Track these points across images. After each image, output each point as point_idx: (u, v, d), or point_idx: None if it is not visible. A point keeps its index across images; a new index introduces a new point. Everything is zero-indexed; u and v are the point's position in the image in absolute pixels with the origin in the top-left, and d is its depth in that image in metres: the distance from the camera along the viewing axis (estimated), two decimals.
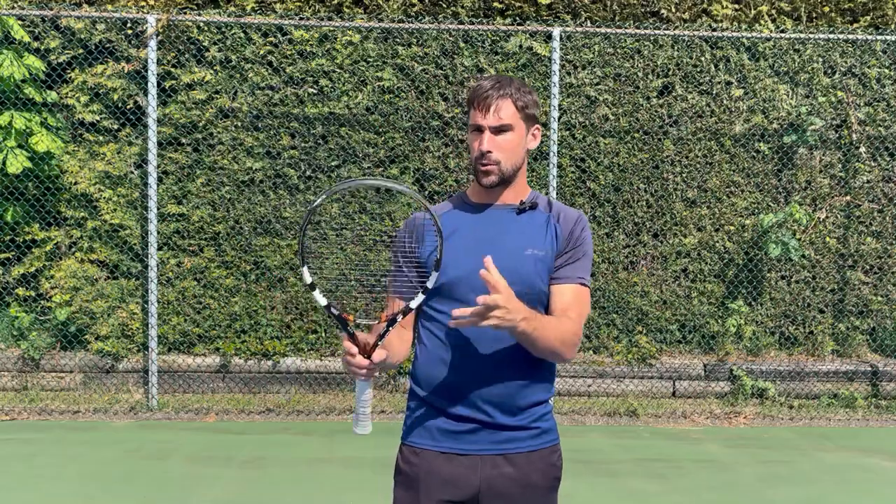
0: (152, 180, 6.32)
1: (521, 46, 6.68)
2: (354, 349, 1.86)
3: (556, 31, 6.35)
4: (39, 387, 6.57)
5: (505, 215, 2.10)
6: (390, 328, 1.94)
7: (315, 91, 6.65)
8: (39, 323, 6.72)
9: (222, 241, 6.67)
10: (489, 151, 2.03)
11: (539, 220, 2.10)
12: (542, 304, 2.06)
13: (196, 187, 6.63)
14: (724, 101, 6.86)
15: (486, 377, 2.02)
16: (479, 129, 2.05)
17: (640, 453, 5.48)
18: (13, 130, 6.28)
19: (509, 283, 1.85)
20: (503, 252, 1.99)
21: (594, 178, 6.82)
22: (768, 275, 6.98)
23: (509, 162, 2.06)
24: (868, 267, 7.05)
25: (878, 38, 6.71)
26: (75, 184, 6.58)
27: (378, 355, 1.86)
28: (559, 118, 6.65)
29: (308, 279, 1.92)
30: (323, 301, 1.93)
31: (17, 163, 6.26)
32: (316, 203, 1.87)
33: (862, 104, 6.94)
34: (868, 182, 7.01)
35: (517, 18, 6.81)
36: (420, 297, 1.96)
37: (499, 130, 2.04)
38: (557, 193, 6.60)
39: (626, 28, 6.66)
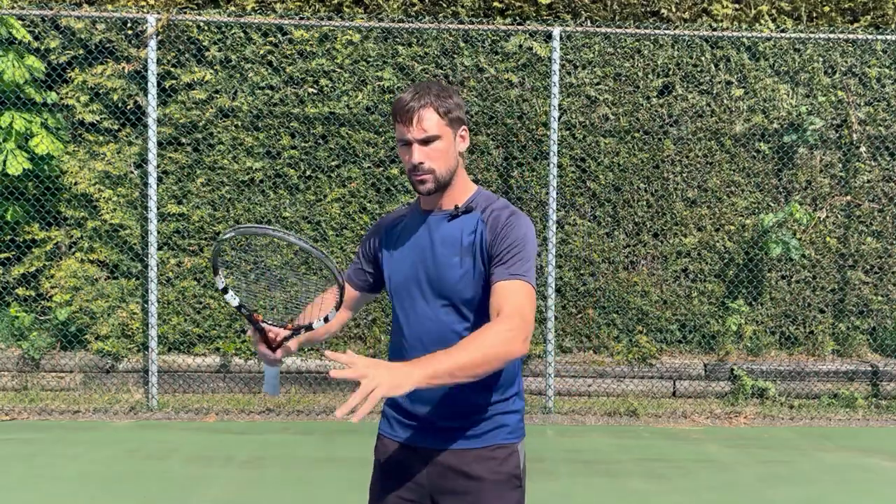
0: (152, 180, 6.32)
1: (520, 46, 6.68)
2: (261, 345, 2.19)
3: (556, 31, 6.35)
4: (39, 387, 6.57)
5: (439, 223, 2.13)
6: (295, 335, 2.18)
7: (315, 91, 6.64)
8: (39, 323, 6.73)
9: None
10: (421, 163, 2.05)
11: (469, 224, 2.09)
12: (467, 307, 2.07)
13: (196, 187, 6.63)
14: (725, 101, 6.85)
15: None
16: (408, 143, 2.06)
17: (640, 453, 5.47)
18: (13, 132, 6.28)
19: (437, 294, 2.07)
20: (431, 262, 2.10)
21: (594, 178, 6.82)
22: (768, 274, 6.98)
23: (443, 168, 2.08)
24: (868, 267, 7.05)
25: (879, 37, 6.71)
26: (75, 184, 6.58)
27: (280, 353, 2.17)
28: (559, 118, 6.65)
29: (220, 285, 2.17)
30: (235, 301, 2.20)
31: (17, 164, 6.26)
32: (224, 237, 2.13)
33: (862, 104, 6.94)
34: (868, 182, 7.01)
35: (517, 18, 6.81)
36: (321, 322, 2.21)
37: (426, 141, 2.05)
38: (557, 193, 6.60)
39: (626, 28, 6.66)
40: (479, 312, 2.08)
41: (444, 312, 2.08)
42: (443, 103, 2.06)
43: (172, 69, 6.54)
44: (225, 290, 2.14)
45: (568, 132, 6.77)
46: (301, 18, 6.60)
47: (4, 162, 6.27)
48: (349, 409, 1.69)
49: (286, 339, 2.16)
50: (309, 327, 2.16)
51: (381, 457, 2.23)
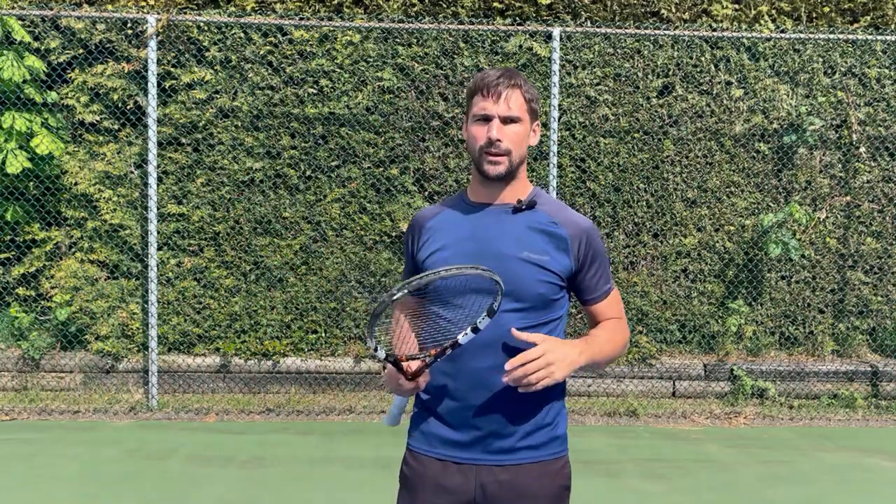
0: (152, 180, 6.32)
1: (520, 46, 6.68)
2: (399, 378, 1.90)
3: (556, 32, 6.35)
4: (39, 387, 6.57)
5: (501, 216, 2.01)
6: (437, 360, 1.90)
7: (315, 91, 6.65)
8: (39, 323, 6.73)
9: (222, 241, 6.68)
10: (499, 140, 1.94)
11: (540, 221, 2.01)
12: (535, 306, 1.97)
13: (196, 187, 6.63)
14: (724, 101, 6.86)
15: (485, 388, 1.95)
16: (487, 118, 1.96)
17: (640, 453, 5.48)
18: (14, 132, 6.28)
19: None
20: (492, 255, 1.95)
21: (594, 178, 6.82)
22: (768, 275, 6.98)
23: (517, 154, 1.98)
24: (868, 267, 7.05)
25: (878, 38, 6.71)
26: (75, 184, 6.58)
27: (422, 380, 1.91)
28: (559, 118, 6.65)
29: (381, 355, 1.88)
30: (382, 354, 1.88)
31: (16, 163, 6.26)
32: (395, 296, 1.81)
33: (862, 104, 6.94)
34: (868, 182, 7.01)
35: (517, 18, 6.81)
36: (470, 335, 1.86)
37: (508, 120, 1.96)
38: (557, 193, 6.60)
39: (626, 28, 6.66)
40: (548, 315, 1.99)
41: (507, 312, 1.92)
42: (529, 89, 2.00)
43: (172, 69, 6.54)
44: (376, 349, 1.88)
45: (568, 132, 6.77)
46: (301, 19, 6.60)
47: (4, 161, 6.27)
48: (522, 374, 1.80)
49: (427, 365, 1.89)
50: (455, 344, 1.88)
51: (416, 477, 2.03)
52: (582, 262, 2.02)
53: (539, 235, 1.99)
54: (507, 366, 1.82)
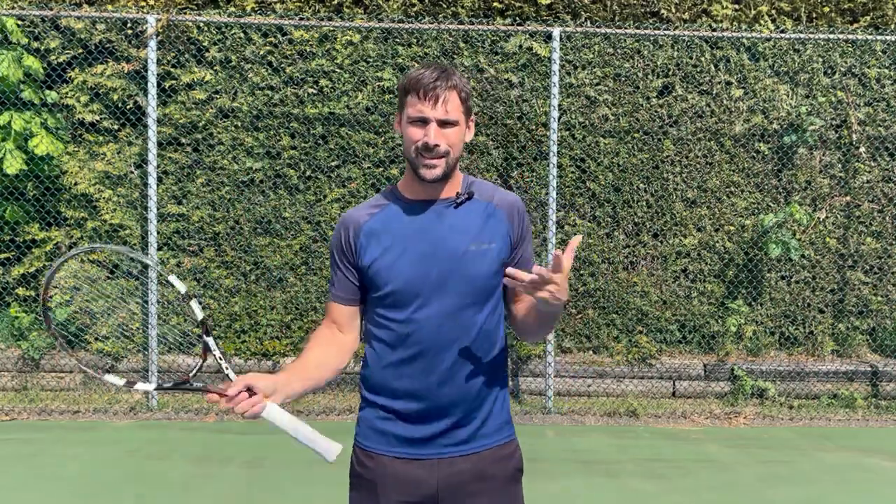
0: (152, 180, 6.32)
1: (520, 46, 6.68)
2: (216, 397, 1.92)
3: (556, 32, 6.35)
4: (39, 387, 6.57)
5: (444, 212, 2.00)
6: (202, 336, 2.00)
7: (315, 91, 6.65)
8: (39, 323, 6.72)
9: (222, 241, 6.68)
10: (437, 145, 1.92)
11: (478, 210, 2.02)
12: (488, 297, 2.00)
13: (196, 187, 6.63)
14: (724, 102, 6.86)
15: (442, 382, 1.97)
16: (424, 121, 1.93)
17: (640, 453, 5.48)
18: (12, 132, 6.28)
19: (456, 291, 1.93)
20: (445, 253, 1.96)
21: (594, 178, 6.82)
22: (768, 275, 6.98)
23: (454, 155, 1.96)
24: (868, 267, 7.05)
25: (878, 38, 6.71)
26: (75, 184, 6.58)
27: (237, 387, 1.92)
28: (559, 118, 6.65)
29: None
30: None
31: (15, 164, 6.25)
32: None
33: (862, 104, 6.94)
34: (868, 182, 7.01)
35: (517, 18, 6.81)
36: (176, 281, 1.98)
37: (445, 123, 1.94)
38: (557, 194, 6.60)
39: (626, 28, 6.66)
40: (496, 302, 2.02)
41: (465, 308, 1.96)
42: (464, 87, 1.98)
43: (172, 69, 6.54)
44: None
45: (568, 132, 6.77)
46: (301, 19, 6.60)
47: (1, 161, 6.27)
48: (521, 278, 1.78)
49: (204, 359, 2.05)
50: (180, 296, 2.04)
51: (374, 477, 2.03)
52: (517, 237, 2.06)
53: (483, 223, 2.01)
54: (518, 275, 1.81)
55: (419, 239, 1.98)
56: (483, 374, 2.01)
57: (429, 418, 1.99)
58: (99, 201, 6.59)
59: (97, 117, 6.58)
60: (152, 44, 6.27)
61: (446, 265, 1.94)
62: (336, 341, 2.10)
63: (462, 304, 1.96)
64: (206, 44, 6.57)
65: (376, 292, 2.00)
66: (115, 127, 6.63)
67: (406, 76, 1.97)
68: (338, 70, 6.63)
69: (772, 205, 6.93)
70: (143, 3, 6.68)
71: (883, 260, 7.04)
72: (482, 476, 2.01)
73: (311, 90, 6.64)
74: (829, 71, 6.94)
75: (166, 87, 6.54)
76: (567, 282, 1.83)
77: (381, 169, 6.71)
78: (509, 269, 1.81)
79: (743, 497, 4.69)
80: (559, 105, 6.57)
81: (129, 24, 6.55)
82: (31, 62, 6.35)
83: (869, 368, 6.82)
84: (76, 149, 6.63)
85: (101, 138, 6.63)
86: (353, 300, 2.08)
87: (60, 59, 6.58)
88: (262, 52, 6.60)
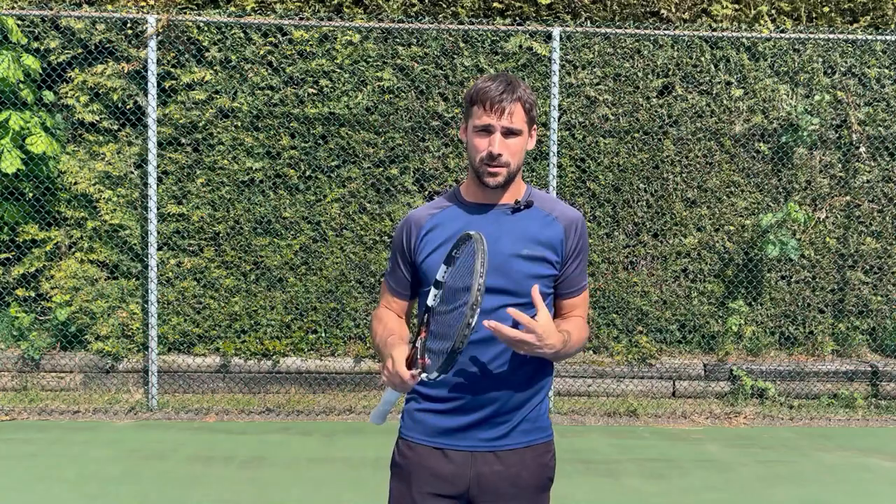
0: (152, 180, 6.32)
1: (521, 46, 6.68)
2: (405, 370, 1.86)
3: (556, 31, 6.35)
4: (39, 387, 6.57)
5: (500, 216, 2.08)
6: (420, 336, 1.93)
7: (315, 91, 6.65)
8: (39, 323, 6.73)
9: (222, 241, 6.68)
10: (500, 154, 2.00)
11: (535, 218, 2.09)
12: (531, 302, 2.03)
13: (196, 187, 6.63)
14: (724, 101, 6.86)
15: (483, 375, 2.02)
16: (489, 130, 2.02)
17: (640, 453, 5.48)
18: (10, 131, 6.27)
19: (501, 290, 1.97)
20: (496, 255, 2.01)
21: (594, 178, 6.82)
22: (768, 275, 6.98)
23: (515, 164, 2.05)
24: (868, 267, 7.05)
25: (878, 38, 6.71)
26: (75, 184, 6.58)
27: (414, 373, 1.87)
28: (559, 118, 6.65)
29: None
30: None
31: (13, 163, 6.24)
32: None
33: (862, 104, 6.94)
34: (868, 182, 7.01)
35: (517, 18, 6.81)
36: (435, 292, 1.94)
37: (509, 133, 2.02)
38: (557, 193, 6.60)
39: (626, 28, 6.66)
40: (532, 308, 2.03)
41: (504, 309, 1.96)
42: (529, 99, 2.04)
43: (172, 69, 6.54)
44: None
45: (568, 132, 6.77)
46: (301, 19, 6.60)
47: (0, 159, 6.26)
48: (499, 329, 1.82)
49: (416, 349, 1.92)
50: (428, 310, 1.97)
51: (410, 466, 2.08)
52: (570, 251, 2.10)
53: (538, 231, 2.07)
54: (517, 317, 1.86)
55: None
56: (520, 368, 2.04)
57: (466, 409, 2.03)
58: (99, 201, 6.59)
59: (97, 117, 6.58)
60: (152, 44, 6.27)
61: (494, 264, 1.98)
62: (403, 322, 2.20)
63: (507, 303, 1.98)
64: (206, 44, 6.57)
65: (427, 287, 2.04)
66: (115, 127, 6.63)
67: (474, 87, 2.05)
68: (338, 70, 6.63)
69: (772, 205, 6.93)
70: (143, 3, 6.68)
71: (883, 260, 7.05)
72: (515, 482, 2.04)
73: (311, 90, 6.64)
74: (829, 71, 6.94)
75: (166, 87, 6.55)
76: (552, 335, 1.88)
77: (381, 169, 6.71)
78: (487, 324, 1.84)
79: (743, 497, 4.69)
80: (559, 105, 6.57)
81: (129, 24, 6.55)
82: (30, 62, 6.35)
83: (869, 368, 6.82)
84: (76, 148, 6.63)
85: (101, 138, 6.63)
86: (406, 295, 2.18)
87: (60, 59, 6.58)
88: (262, 52, 6.60)
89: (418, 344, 1.91)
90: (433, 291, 1.94)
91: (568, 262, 2.10)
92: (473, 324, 1.72)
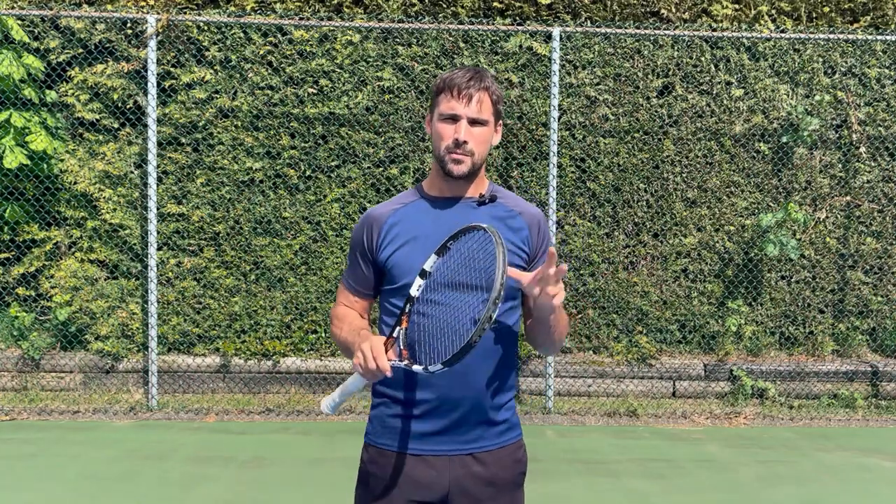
0: (152, 180, 6.32)
1: (520, 46, 6.68)
2: (382, 357, 1.81)
3: (556, 31, 6.35)
4: (39, 387, 6.57)
5: (467, 209, 2.06)
6: (399, 326, 1.93)
7: (315, 91, 6.65)
8: (39, 323, 6.72)
9: (222, 241, 6.67)
10: (465, 141, 1.98)
11: (500, 213, 2.08)
12: (510, 295, 2.01)
13: (196, 187, 6.63)
14: (724, 101, 6.86)
15: (458, 375, 1.95)
16: (455, 118, 2.00)
17: (640, 453, 5.48)
18: (12, 128, 6.28)
19: (474, 286, 1.92)
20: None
21: (594, 178, 6.82)
22: (768, 275, 6.98)
23: (479, 155, 2.02)
24: (868, 267, 7.05)
25: (878, 38, 6.71)
26: (75, 183, 6.58)
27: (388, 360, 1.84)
28: (559, 118, 6.65)
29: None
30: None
31: (16, 159, 6.24)
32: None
33: (862, 104, 6.94)
34: (868, 182, 7.01)
35: (517, 18, 6.81)
36: (420, 282, 1.93)
37: (475, 122, 2.00)
38: (557, 193, 6.60)
39: (626, 28, 6.66)
40: (512, 303, 2.04)
41: (480, 305, 1.92)
42: (496, 90, 2.04)
43: (172, 69, 6.54)
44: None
45: (568, 132, 6.77)
46: (301, 19, 6.60)
47: (1, 156, 6.26)
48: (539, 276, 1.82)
49: (394, 340, 1.91)
50: (410, 299, 1.95)
51: (384, 474, 2.04)
52: (536, 248, 2.10)
53: (503, 226, 2.06)
54: (517, 275, 1.88)
55: (438, 234, 1.98)
56: (494, 369, 2.03)
57: (441, 411, 2.00)
58: (99, 201, 6.59)
59: (97, 116, 6.58)
60: (152, 43, 6.27)
61: (466, 258, 1.94)
62: (366, 321, 2.16)
63: (478, 300, 1.94)
64: (206, 44, 6.57)
65: (391, 285, 2.03)
66: (115, 126, 6.63)
67: (440, 77, 2.04)
68: (338, 70, 6.63)
69: (772, 205, 6.93)
70: (143, 3, 6.68)
71: (883, 260, 7.04)
72: (492, 481, 2.03)
73: (311, 90, 6.64)
74: (830, 71, 6.94)
75: (166, 87, 6.54)
76: (560, 284, 1.85)
77: (381, 169, 6.71)
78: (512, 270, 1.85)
79: (743, 497, 4.69)
80: (559, 105, 6.57)
81: (129, 24, 6.55)
82: (32, 61, 6.35)
83: (869, 368, 6.82)
84: (76, 148, 6.63)
85: (101, 138, 6.63)
86: (369, 294, 2.13)
87: (60, 59, 6.58)
88: (261, 52, 6.60)
89: (396, 334, 1.89)
90: (418, 281, 1.92)
91: (536, 258, 2.10)
92: (494, 317, 1.71)
